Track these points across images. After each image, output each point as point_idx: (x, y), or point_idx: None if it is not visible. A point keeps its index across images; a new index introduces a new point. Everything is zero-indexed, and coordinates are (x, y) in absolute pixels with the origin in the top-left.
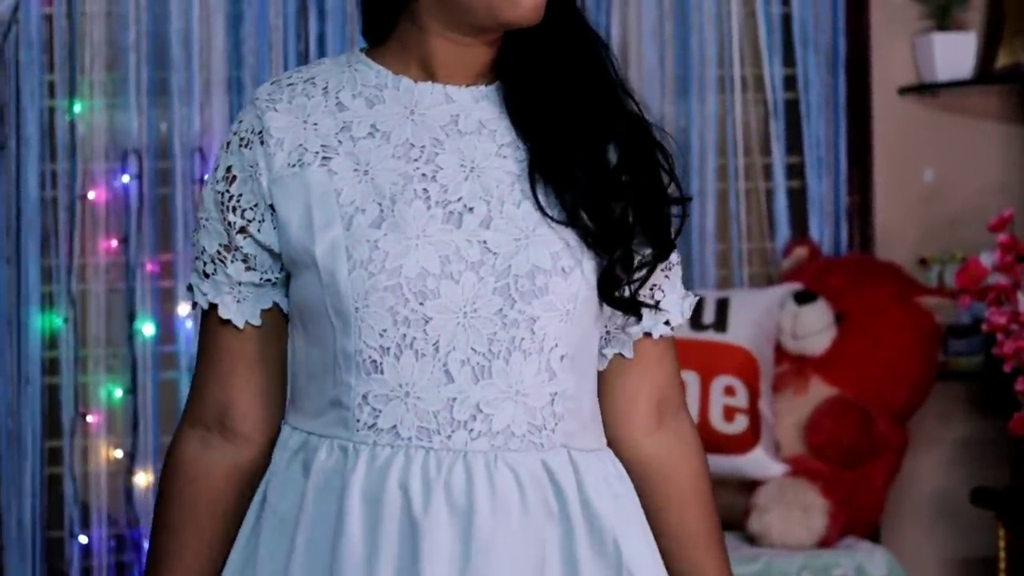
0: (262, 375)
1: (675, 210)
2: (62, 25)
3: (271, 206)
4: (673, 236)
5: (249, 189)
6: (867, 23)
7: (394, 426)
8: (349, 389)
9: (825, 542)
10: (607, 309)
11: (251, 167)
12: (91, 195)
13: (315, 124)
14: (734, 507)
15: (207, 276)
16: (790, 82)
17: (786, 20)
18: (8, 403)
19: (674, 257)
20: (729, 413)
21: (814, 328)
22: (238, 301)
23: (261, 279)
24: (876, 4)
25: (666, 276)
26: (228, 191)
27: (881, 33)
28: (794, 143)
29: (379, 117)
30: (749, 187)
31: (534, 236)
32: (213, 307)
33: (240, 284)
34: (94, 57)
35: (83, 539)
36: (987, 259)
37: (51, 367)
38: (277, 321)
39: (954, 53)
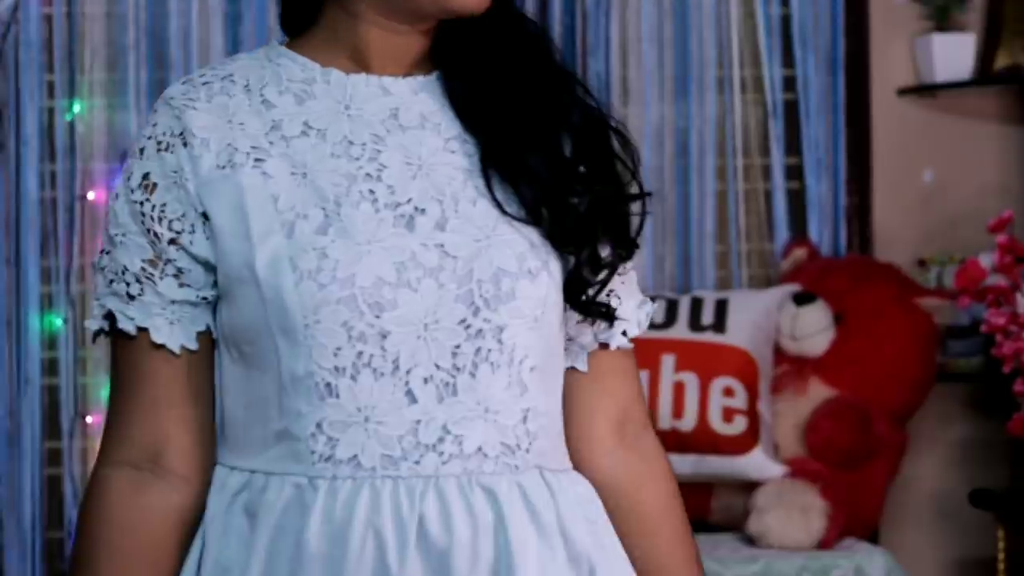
0: (198, 407)
1: (635, 207)
2: (61, 25)
3: (203, 214)
4: (634, 234)
5: (174, 197)
6: (866, 24)
7: (355, 455)
8: (300, 417)
9: (824, 543)
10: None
11: (174, 172)
12: (91, 195)
13: (241, 124)
14: (733, 508)
15: (132, 298)
16: (789, 83)
17: (785, 21)
18: (7, 404)
19: (629, 261)
20: (728, 414)
21: (813, 329)
22: (171, 323)
23: (197, 297)
24: (875, 5)
25: (622, 281)
26: (148, 200)
27: (880, 34)
28: (793, 144)
29: (311, 114)
30: (748, 188)
31: (495, 236)
32: (142, 332)
33: (173, 303)
34: (93, 57)
35: None
36: (986, 260)
37: (51, 368)
38: (208, 346)
39: (953, 54)
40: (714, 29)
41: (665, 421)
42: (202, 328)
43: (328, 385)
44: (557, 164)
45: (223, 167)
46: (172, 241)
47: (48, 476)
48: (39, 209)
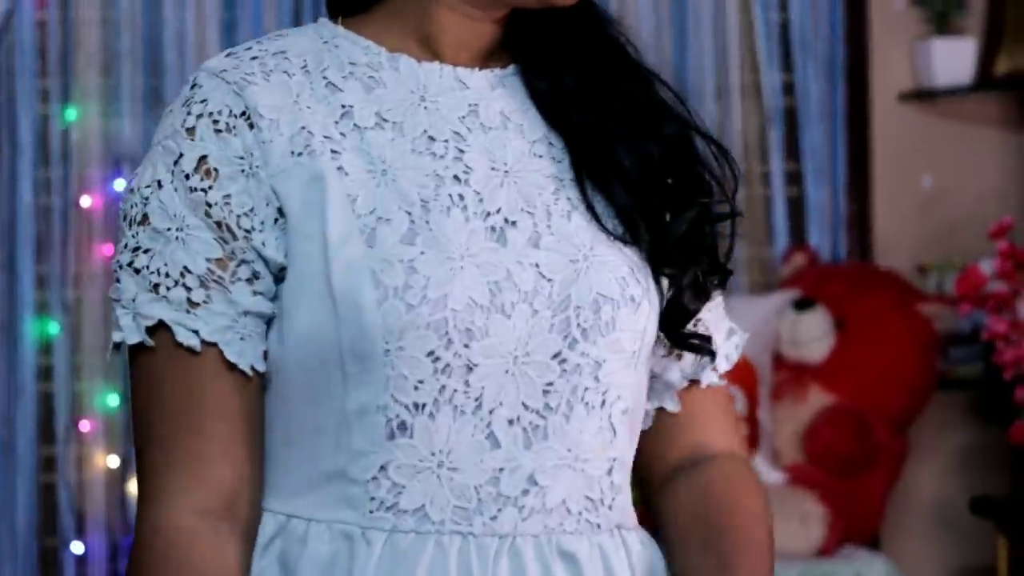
0: (261, 444)
1: (724, 227)
2: (56, 31)
3: (279, 209)
4: (724, 258)
5: (241, 188)
6: (865, 29)
7: (422, 506)
8: (361, 457)
9: (824, 551)
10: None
11: (240, 159)
12: (86, 202)
13: (308, 107)
14: None
15: (194, 305)
16: (788, 89)
17: (784, 27)
18: (2, 411)
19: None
20: None
21: (813, 335)
22: (243, 338)
23: (269, 309)
24: (875, 10)
25: (708, 309)
26: (212, 187)
27: (880, 39)
28: (792, 150)
29: (383, 104)
30: (747, 194)
31: (593, 257)
32: (207, 348)
33: (246, 314)
34: (88, 63)
35: (78, 547)
36: (986, 266)
37: (45, 374)
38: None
39: (953, 59)
40: (712, 35)
41: None
42: (266, 347)
43: (403, 423)
44: (652, 174)
45: (299, 154)
46: (246, 239)
47: (43, 483)
48: (33, 215)
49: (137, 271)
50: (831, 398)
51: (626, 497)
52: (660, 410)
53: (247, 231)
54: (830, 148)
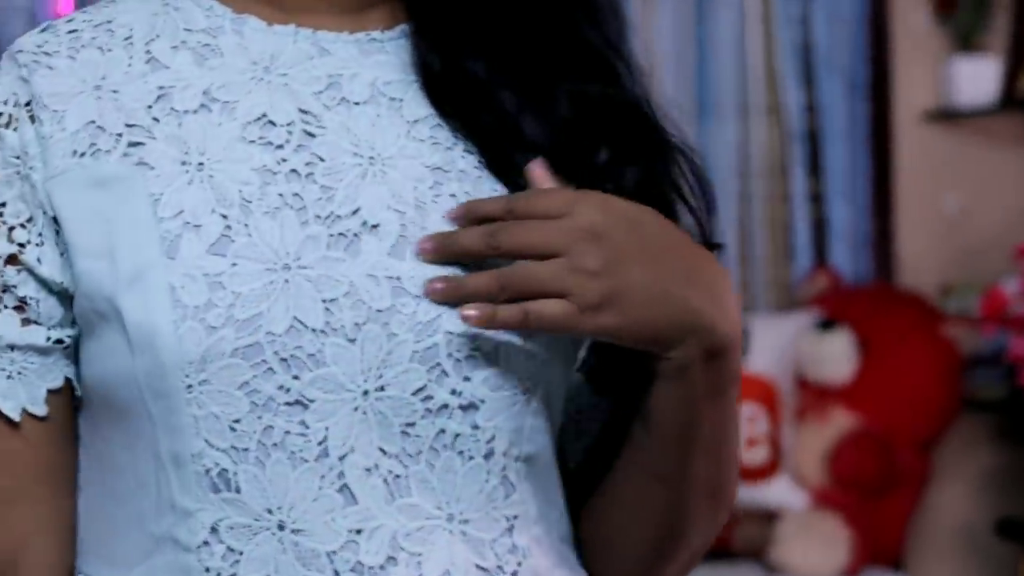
0: (60, 497)
1: None
2: None
3: (54, 218)
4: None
5: (16, 194)
6: (889, 48)
7: None
8: (187, 518)
9: (848, 573)
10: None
11: (16, 159)
12: None
13: (114, 91)
14: (755, 537)
15: None
16: (810, 108)
17: (806, 46)
18: None
19: None
20: (749, 442)
21: (836, 356)
22: (9, 377)
23: (48, 339)
24: (898, 29)
25: None
26: None
27: (903, 58)
28: (815, 170)
29: (215, 79)
30: (769, 214)
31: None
32: None
33: (13, 349)
34: None
35: None
36: (1010, 287)
37: None
38: (69, 409)
39: (977, 78)
40: (734, 54)
41: None
42: (57, 384)
43: (223, 473)
44: (594, 178)
45: (82, 154)
46: (12, 259)
47: None
48: None
49: None
50: (855, 419)
51: (547, 558)
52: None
53: (21, 245)
54: (853, 168)
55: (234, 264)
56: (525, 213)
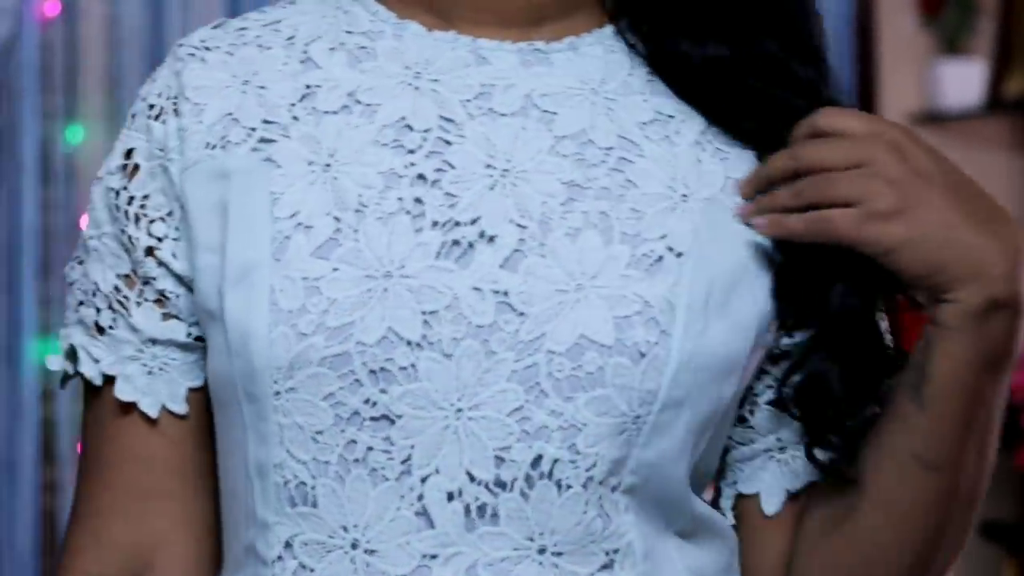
0: (194, 498)
1: None
2: (60, 50)
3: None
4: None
5: (159, 187)
6: (874, 51)
7: None
8: (266, 530)
9: None
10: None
11: (160, 151)
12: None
13: (261, 87)
14: None
15: (101, 331)
16: None
17: None
18: (4, 433)
19: None
20: None
21: None
22: (150, 372)
23: (188, 335)
24: (883, 32)
25: None
26: (126, 188)
27: (888, 61)
28: None
29: (363, 81)
30: None
31: (592, 287)
32: (111, 383)
33: (154, 343)
34: (92, 82)
35: None
36: None
37: (48, 397)
38: (206, 408)
39: (963, 81)
40: None
41: None
42: (198, 383)
43: (302, 486)
44: None
45: (213, 146)
46: (150, 251)
47: (46, 506)
48: (36, 236)
49: (70, 285)
50: None
51: None
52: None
53: (159, 238)
54: None
55: (335, 269)
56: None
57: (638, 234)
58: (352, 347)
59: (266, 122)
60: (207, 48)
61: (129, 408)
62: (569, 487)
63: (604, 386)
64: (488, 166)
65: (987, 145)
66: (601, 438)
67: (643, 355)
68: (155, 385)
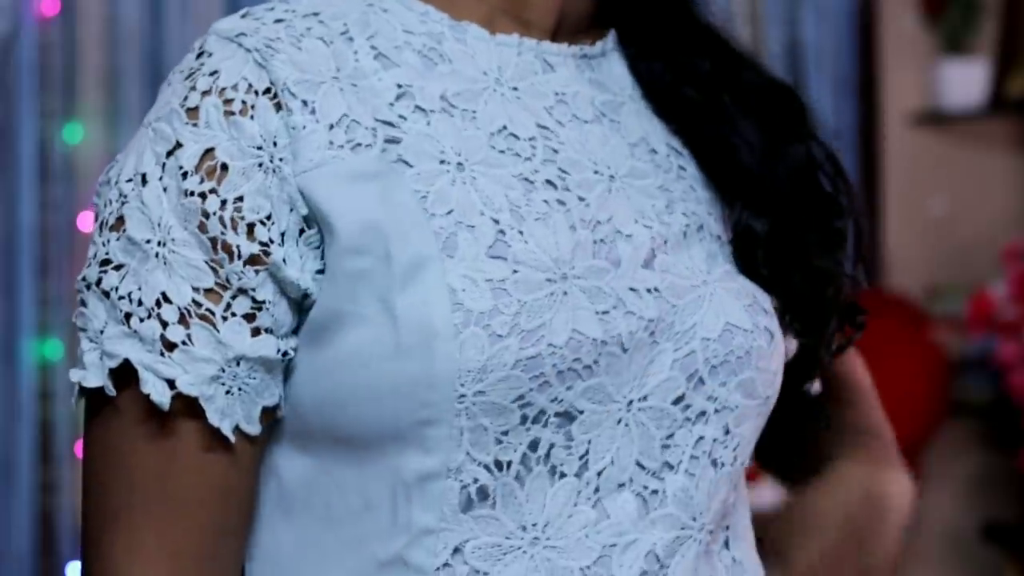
0: (246, 534)
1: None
2: (59, 50)
3: (305, 218)
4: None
5: (258, 187)
6: (877, 50)
7: None
8: (427, 537)
9: None
10: None
11: (258, 149)
12: (88, 221)
13: (353, 84)
14: None
15: (171, 347)
16: None
17: (794, 46)
18: (2, 434)
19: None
20: None
21: None
22: (229, 392)
23: (279, 351)
24: (886, 30)
25: None
26: (215, 191)
27: (891, 60)
28: None
29: (448, 84)
30: None
31: (713, 281)
32: (181, 405)
33: (239, 362)
34: (91, 82)
35: (76, 570)
36: (998, 290)
37: (46, 397)
38: (268, 432)
39: (965, 81)
40: None
41: None
42: (272, 401)
43: (482, 489)
44: (785, 195)
45: (340, 146)
46: (254, 259)
47: (44, 507)
48: (34, 235)
49: (106, 293)
50: None
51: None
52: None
53: (264, 244)
54: None
55: (515, 271)
56: None
57: (719, 236)
58: (544, 348)
59: (379, 120)
60: (271, 39)
61: (210, 434)
62: (723, 466)
63: (750, 369)
64: (596, 172)
65: (989, 145)
66: (746, 419)
67: (772, 337)
68: (233, 407)
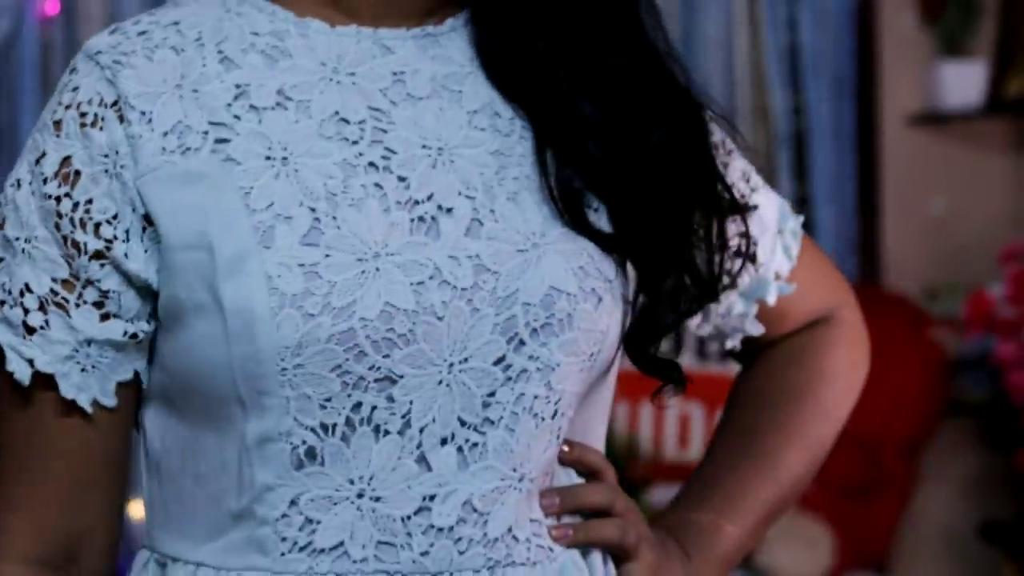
0: (117, 485)
1: (735, 229)
2: (59, 50)
3: (144, 216)
4: (734, 265)
5: (104, 191)
6: (875, 51)
7: (340, 543)
8: (268, 493)
9: (831, 575)
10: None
11: (104, 157)
12: None
13: (195, 90)
14: None
15: (31, 331)
16: (797, 111)
17: (793, 48)
18: None
19: (755, 176)
20: None
21: None
22: (84, 370)
23: (124, 333)
24: (884, 32)
25: (754, 192)
26: (69, 195)
27: (889, 61)
28: (800, 172)
29: (287, 79)
30: None
31: (545, 244)
32: (40, 379)
33: (90, 343)
34: None
35: None
36: (996, 290)
37: None
38: (131, 402)
39: (963, 82)
40: (720, 56)
41: (671, 452)
42: (127, 377)
43: (311, 449)
44: (644, 157)
45: (171, 151)
46: (98, 254)
47: None
48: None
49: None
50: None
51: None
52: (747, 339)
53: (108, 241)
54: (839, 170)
55: (327, 255)
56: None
57: (560, 194)
58: (356, 323)
59: (212, 123)
60: (125, 54)
61: (67, 404)
62: (543, 420)
63: (572, 329)
64: (423, 146)
65: (987, 145)
66: (568, 376)
67: (600, 300)
68: (88, 381)
